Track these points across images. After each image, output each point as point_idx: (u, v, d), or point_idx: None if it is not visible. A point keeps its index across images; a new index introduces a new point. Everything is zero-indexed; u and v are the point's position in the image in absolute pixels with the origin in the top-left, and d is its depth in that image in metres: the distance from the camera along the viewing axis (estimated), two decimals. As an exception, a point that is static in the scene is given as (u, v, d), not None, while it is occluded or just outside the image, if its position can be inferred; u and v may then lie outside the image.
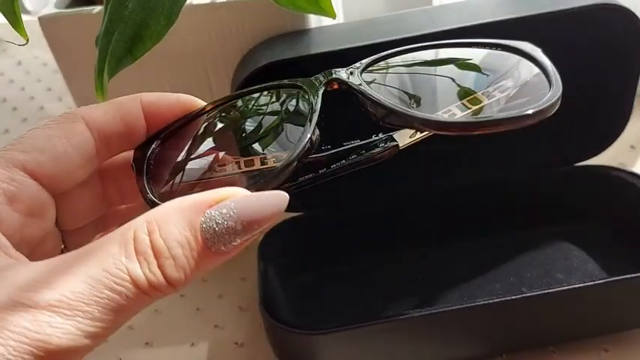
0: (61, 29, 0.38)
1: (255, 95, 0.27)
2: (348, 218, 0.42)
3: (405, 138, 0.26)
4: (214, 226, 0.20)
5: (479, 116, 0.23)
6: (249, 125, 0.26)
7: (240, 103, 0.27)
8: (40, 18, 0.38)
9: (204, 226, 0.20)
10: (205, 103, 0.26)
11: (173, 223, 0.20)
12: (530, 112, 0.21)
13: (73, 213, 0.26)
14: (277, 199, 0.20)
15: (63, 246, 0.26)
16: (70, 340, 0.18)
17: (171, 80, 0.41)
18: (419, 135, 0.26)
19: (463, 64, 0.26)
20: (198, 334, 0.38)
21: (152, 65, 0.39)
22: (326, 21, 0.39)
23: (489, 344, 0.35)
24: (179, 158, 0.25)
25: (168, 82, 0.41)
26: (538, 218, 0.42)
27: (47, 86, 0.62)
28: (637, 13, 0.35)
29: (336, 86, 0.25)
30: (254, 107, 0.26)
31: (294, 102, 0.25)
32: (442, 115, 0.24)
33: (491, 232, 0.42)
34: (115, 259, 0.19)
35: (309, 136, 0.23)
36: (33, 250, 0.23)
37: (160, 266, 0.20)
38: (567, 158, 0.42)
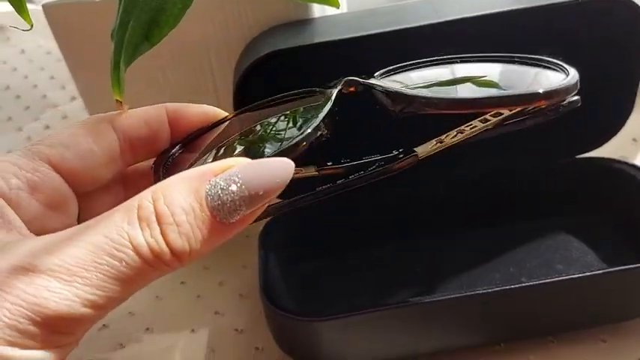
0: (65, 17, 0.39)
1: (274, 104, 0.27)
2: (350, 209, 0.42)
3: (424, 150, 0.27)
4: (219, 192, 0.19)
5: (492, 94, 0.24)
6: (267, 132, 0.26)
7: (259, 113, 0.27)
8: (44, 6, 0.38)
9: (209, 193, 0.19)
10: (227, 114, 0.27)
11: (178, 191, 0.20)
12: (540, 90, 0.22)
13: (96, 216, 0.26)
14: (282, 165, 0.20)
15: None
16: (67, 307, 0.18)
17: (175, 69, 0.41)
18: (439, 145, 0.27)
19: (480, 82, 0.26)
20: (198, 321, 0.38)
21: (155, 55, 0.39)
22: (329, 11, 0.39)
23: (488, 333, 0.35)
24: (197, 163, 0.25)
25: (171, 71, 0.41)
26: (539, 210, 0.42)
27: (50, 74, 0.62)
28: (640, 5, 0.35)
29: (352, 89, 0.25)
30: (272, 115, 0.26)
31: (310, 109, 0.25)
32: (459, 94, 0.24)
33: (491, 223, 0.42)
34: (117, 226, 0.19)
35: (319, 120, 0.23)
36: None
37: (162, 233, 0.19)
38: (569, 150, 0.42)
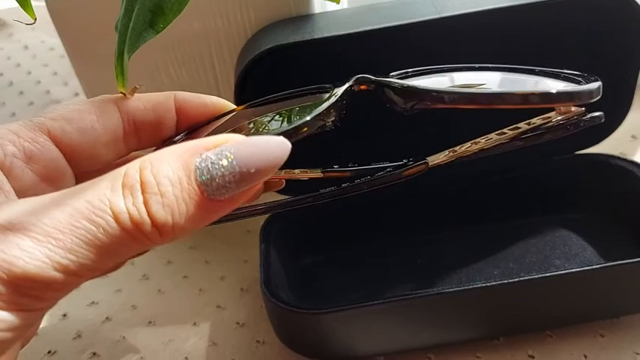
0: (69, 13, 0.39)
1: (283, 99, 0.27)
2: (351, 204, 0.42)
3: (436, 159, 0.27)
4: (209, 166, 0.19)
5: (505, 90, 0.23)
6: (271, 122, 0.26)
7: (267, 107, 0.27)
8: (47, 1, 0.38)
9: (198, 166, 0.19)
10: (234, 106, 0.27)
11: (167, 162, 0.19)
12: (555, 90, 0.22)
13: None
14: (277, 144, 0.19)
15: None
16: (36, 267, 0.17)
17: (176, 65, 0.41)
18: (451, 155, 0.27)
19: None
20: (200, 314, 0.39)
21: (156, 50, 0.40)
22: (330, 6, 0.40)
23: (486, 327, 0.35)
24: None
25: (173, 67, 0.41)
26: (538, 206, 0.42)
27: (53, 70, 0.62)
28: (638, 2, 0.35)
29: (363, 87, 0.25)
30: (279, 108, 0.26)
31: (318, 103, 0.25)
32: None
33: (490, 219, 0.42)
34: (100, 192, 0.18)
35: (323, 108, 0.22)
36: None
37: (145, 202, 0.18)
38: (567, 147, 0.42)
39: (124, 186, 0.19)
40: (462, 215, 0.42)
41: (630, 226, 0.40)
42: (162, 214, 0.18)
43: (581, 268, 0.33)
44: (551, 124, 0.26)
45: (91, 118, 0.24)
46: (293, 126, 0.21)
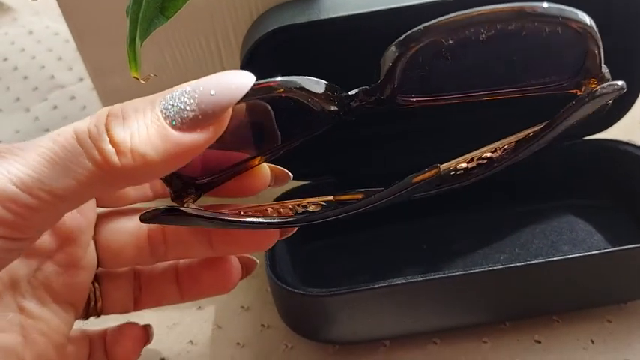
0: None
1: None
2: (356, 188, 0.42)
3: (448, 165, 0.27)
4: (172, 95, 0.20)
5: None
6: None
7: None
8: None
9: (163, 99, 0.20)
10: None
11: (136, 101, 0.20)
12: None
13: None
14: (240, 73, 0.20)
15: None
16: None
17: (181, 47, 0.41)
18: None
19: None
20: (205, 299, 0.38)
21: (161, 33, 0.40)
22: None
23: (493, 312, 0.35)
24: None
25: (178, 49, 0.41)
26: (545, 191, 0.42)
27: (58, 55, 0.62)
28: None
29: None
30: None
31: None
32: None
33: (497, 204, 0.42)
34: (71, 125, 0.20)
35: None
36: None
37: (107, 123, 0.19)
38: (575, 132, 0.42)
39: (93, 117, 0.20)
40: (469, 200, 0.41)
41: (638, 211, 0.39)
42: (120, 132, 0.19)
43: (589, 252, 0.33)
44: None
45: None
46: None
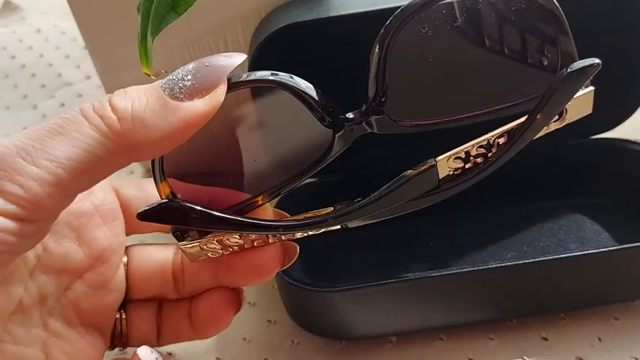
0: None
1: None
2: (363, 184, 0.42)
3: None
4: (172, 74, 0.21)
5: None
6: None
7: None
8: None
9: (163, 81, 0.21)
10: None
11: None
12: None
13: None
14: (235, 54, 0.22)
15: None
16: (4, 147, 0.20)
17: (190, 46, 0.41)
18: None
19: None
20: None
21: (170, 33, 0.39)
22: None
23: (500, 309, 0.35)
24: None
25: (187, 48, 0.41)
26: (552, 190, 0.42)
27: (66, 53, 0.62)
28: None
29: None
30: None
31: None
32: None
33: (504, 202, 0.42)
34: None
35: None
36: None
37: (110, 98, 0.21)
38: (583, 131, 0.42)
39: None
40: (476, 198, 0.41)
41: (646, 210, 0.39)
42: (121, 101, 0.20)
43: (596, 250, 0.33)
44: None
45: None
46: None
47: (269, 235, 0.26)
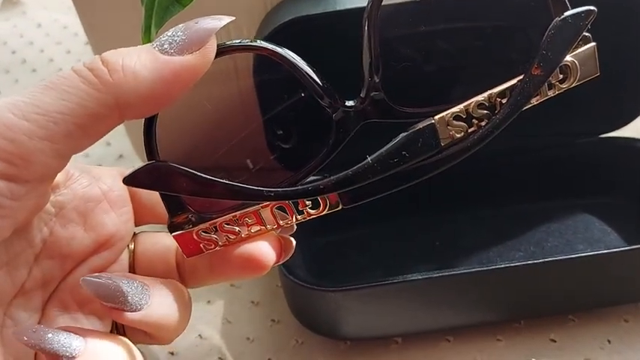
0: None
1: None
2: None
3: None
4: (163, 35, 0.21)
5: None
6: None
7: None
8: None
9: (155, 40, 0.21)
10: None
11: None
12: None
13: None
14: (220, 16, 0.22)
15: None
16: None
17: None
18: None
19: None
20: (214, 293, 0.38)
21: (172, 23, 0.39)
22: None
23: (508, 310, 0.34)
24: None
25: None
26: (560, 189, 0.41)
27: (67, 49, 0.61)
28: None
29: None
30: None
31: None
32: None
33: (511, 202, 0.41)
34: None
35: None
36: None
37: (102, 54, 0.21)
38: (591, 129, 0.41)
39: None
40: (483, 198, 0.41)
41: (654, 210, 0.39)
42: (113, 55, 0.20)
43: (606, 251, 0.32)
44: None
45: None
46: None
47: (266, 224, 0.25)
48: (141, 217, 0.28)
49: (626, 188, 0.40)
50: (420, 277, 0.32)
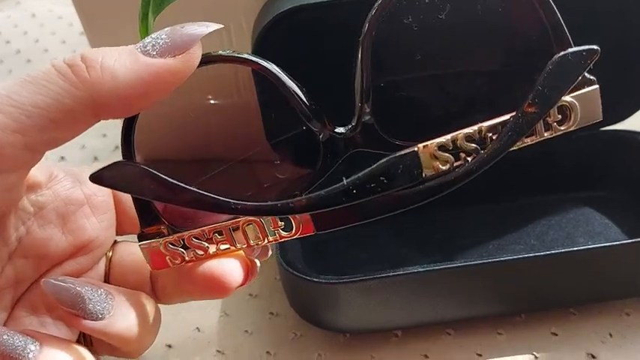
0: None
1: None
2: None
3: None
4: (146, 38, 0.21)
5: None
6: None
7: None
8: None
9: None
10: None
11: None
12: None
13: None
14: (208, 23, 0.22)
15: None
16: None
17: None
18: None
19: None
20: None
21: (172, 21, 0.39)
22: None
23: (508, 303, 0.34)
24: None
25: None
26: (561, 182, 0.41)
27: (62, 39, 0.61)
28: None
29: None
30: None
31: None
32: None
33: (512, 195, 0.41)
34: None
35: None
36: None
37: (82, 51, 0.20)
38: (592, 123, 0.41)
39: None
40: (483, 191, 0.40)
41: (656, 203, 0.39)
42: (93, 53, 0.20)
43: (607, 244, 0.32)
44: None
45: None
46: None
47: (236, 242, 0.24)
48: (124, 225, 0.27)
49: (627, 181, 0.40)
50: (420, 270, 0.31)
